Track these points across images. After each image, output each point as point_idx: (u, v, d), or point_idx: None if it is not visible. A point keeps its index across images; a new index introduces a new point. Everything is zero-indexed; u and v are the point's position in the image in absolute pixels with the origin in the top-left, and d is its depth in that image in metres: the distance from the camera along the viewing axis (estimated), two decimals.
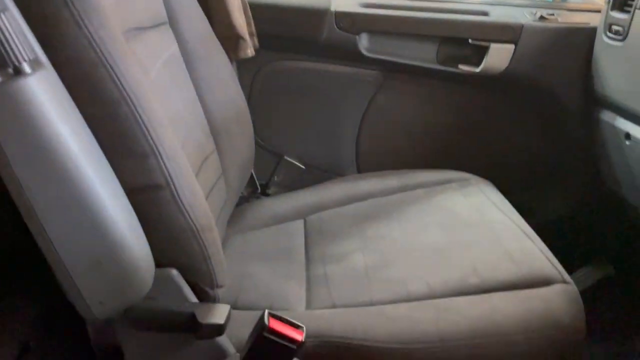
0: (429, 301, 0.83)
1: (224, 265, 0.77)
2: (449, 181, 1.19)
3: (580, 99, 1.25)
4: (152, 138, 0.65)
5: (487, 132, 1.38)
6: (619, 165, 1.17)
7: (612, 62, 1.15)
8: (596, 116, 1.21)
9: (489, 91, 1.35)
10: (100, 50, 0.62)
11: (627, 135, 1.10)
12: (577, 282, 1.37)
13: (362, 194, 1.20)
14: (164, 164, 0.65)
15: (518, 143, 1.37)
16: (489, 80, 1.31)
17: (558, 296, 0.82)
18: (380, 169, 1.31)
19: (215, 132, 1.04)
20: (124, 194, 0.62)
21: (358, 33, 1.34)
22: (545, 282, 0.84)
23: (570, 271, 1.38)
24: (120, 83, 0.63)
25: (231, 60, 1.25)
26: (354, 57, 1.35)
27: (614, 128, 1.14)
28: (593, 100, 1.21)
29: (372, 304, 0.84)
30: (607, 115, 1.18)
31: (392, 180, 1.23)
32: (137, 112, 0.64)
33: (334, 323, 0.81)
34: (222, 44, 1.17)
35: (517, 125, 1.37)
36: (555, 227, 1.40)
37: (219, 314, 0.68)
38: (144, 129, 0.64)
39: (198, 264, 0.70)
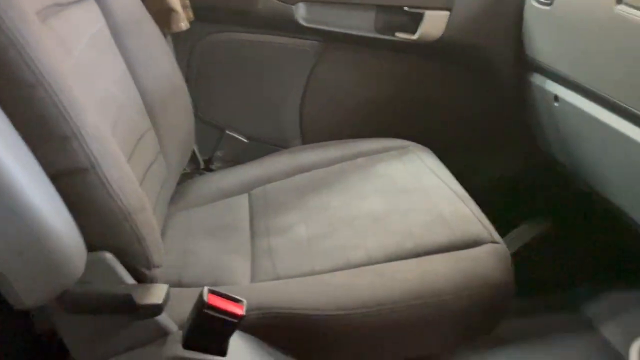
0: (368, 267, 0.86)
1: (160, 244, 0.77)
2: (388, 149, 1.21)
3: (513, 63, 1.28)
4: (72, 120, 0.63)
5: (427, 99, 1.40)
6: (550, 127, 1.22)
7: (541, 27, 1.18)
8: (528, 80, 1.25)
9: (427, 58, 1.37)
10: (11, 32, 0.60)
11: (556, 98, 1.14)
12: (514, 240, 1.45)
13: (305, 165, 1.21)
14: (87, 147, 0.64)
15: (456, 109, 1.40)
16: (426, 47, 1.33)
17: (487, 255, 0.86)
18: (324, 139, 1.32)
19: (150, 109, 1.02)
20: (47, 179, 0.61)
21: (294, 3, 1.33)
22: (475, 242, 0.87)
23: (509, 230, 1.47)
24: (35, 65, 0.61)
25: (165, 34, 1.22)
26: (292, 27, 1.34)
27: (543, 91, 1.18)
28: (524, 64, 1.25)
29: (313, 273, 0.87)
30: (537, 79, 1.21)
31: (334, 150, 1.24)
32: (55, 94, 0.62)
33: (277, 294, 0.83)
34: (154, 18, 1.14)
35: (455, 91, 1.40)
36: (495, 189, 1.45)
37: (156, 293, 0.68)
38: (63, 111, 0.62)
39: (131, 245, 0.69)
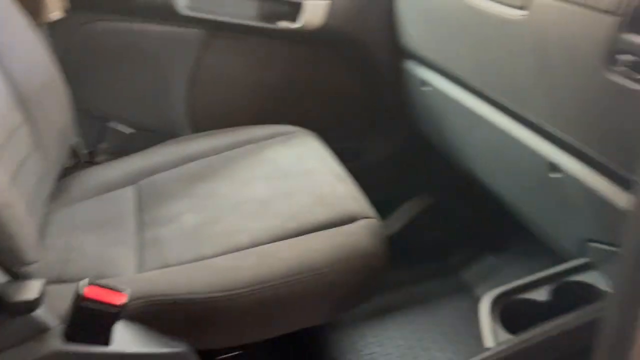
0: (252, 249, 0.90)
1: (35, 241, 0.75)
2: (275, 135, 1.25)
3: (388, 50, 1.36)
4: None
5: (312, 85, 1.46)
6: (421, 110, 1.32)
7: (410, 15, 1.27)
8: (401, 65, 1.34)
9: (311, 46, 1.42)
10: None
11: (424, 82, 1.24)
12: (400, 216, 1.56)
13: (194, 154, 1.22)
14: None
15: (340, 94, 1.47)
16: (309, 35, 1.37)
17: (362, 230, 0.93)
18: (214, 128, 1.33)
19: (23, 103, 0.99)
20: None
21: None
22: (351, 219, 0.94)
23: (396, 206, 1.57)
24: None
25: (39, 24, 1.17)
26: (173, 16, 1.33)
27: (414, 76, 1.28)
28: (398, 50, 1.34)
29: (200, 259, 0.89)
30: (408, 65, 1.31)
31: (223, 138, 1.26)
32: None
33: (163, 282, 0.85)
34: (25, 7, 1.09)
35: (338, 77, 1.46)
36: (379, 168, 1.55)
37: (29, 290, 0.68)
38: None
39: (1, 243, 0.68)
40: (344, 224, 0.93)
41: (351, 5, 1.36)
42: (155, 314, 0.81)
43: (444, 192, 1.55)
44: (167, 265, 0.89)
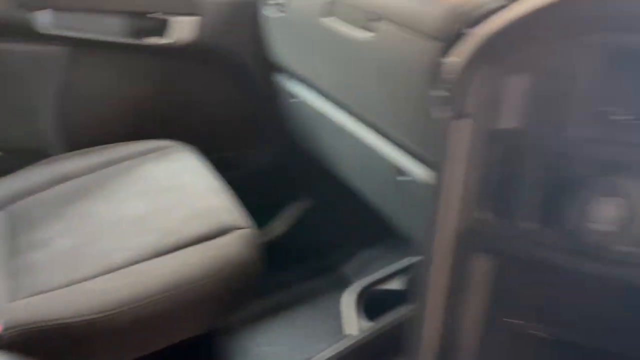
0: (129, 268, 0.92)
1: None
2: (151, 151, 1.27)
3: (261, 64, 1.43)
4: None
5: (188, 99, 1.48)
6: (293, 121, 1.40)
7: (279, 32, 1.34)
8: (272, 79, 1.41)
9: (184, 61, 1.44)
10: None
11: (293, 95, 1.32)
12: (283, 221, 1.63)
13: (67, 174, 1.20)
14: None
15: (217, 107, 1.51)
16: (181, 50, 1.40)
17: (236, 240, 0.98)
18: (89, 146, 1.32)
19: None
20: None
21: (37, 9, 1.28)
22: (226, 230, 0.99)
23: (281, 208, 1.64)
24: None
25: None
26: (35, 34, 1.29)
27: (284, 89, 1.36)
28: (270, 65, 1.41)
29: (76, 282, 0.90)
30: (279, 78, 1.38)
31: (97, 157, 1.26)
32: None
33: (37, 309, 0.84)
34: None
35: (213, 91, 1.50)
36: (264, 175, 1.61)
37: None
38: None
39: None
40: (219, 236, 0.98)
41: (221, 21, 1.40)
42: (33, 342, 0.81)
43: (323, 194, 1.64)
44: (42, 292, 0.89)
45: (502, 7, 0.84)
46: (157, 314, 0.88)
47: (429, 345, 0.53)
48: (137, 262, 0.93)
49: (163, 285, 0.89)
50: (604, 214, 0.40)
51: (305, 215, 1.62)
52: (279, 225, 1.58)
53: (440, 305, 0.52)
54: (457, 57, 0.47)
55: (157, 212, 1.05)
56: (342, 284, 1.48)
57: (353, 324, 0.85)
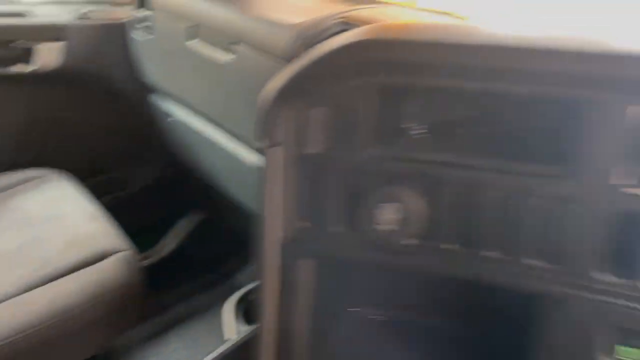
0: (4, 303, 0.91)
1: None
2: (25, 181, 1.24)
3: (133, 85, 1.44)
4: None
5: (63, 125, 1.46)
6: (172, 139, 1.43)
7: (149, 54, 1.36)
8: (148, 100, 1.43)
9: (54, 87, 1.42)
10: None
11: (169, 114, 1.35)
12: (175, 235, 1.65)
13: None
14: None
15: (96, 130, 1.50)
16: (49, 77, 1.38)
17: (115, 264, 1.00)
18: None
19: None
20: None
21: None
22: (104, 255, 1.01)
23: (169, 227, 1.66)
24: None
25: None
26: None
27: (160, 109, 1.38)
28: (143, 86, 1.42)
29: None
30: (154, 98, 1.41)
31: None
32: None
33: None
34: None
35: (89, 115, 1.49)
36: (150, 193, 1.62)
37: None
38: None
39: None
40: (98, 262, 1.00)
41: (88, 45, 1.39)
42: None
43: (212, 208, 1.68)
44: None
45: (343, 30, 0.95)
46: (37, 346, 0.88)
47: (267, 342, 0.60)
48: (13, 295, 0.92)
49: (41, 317, 0.89)
50: (388, 216, 0.50)
51: (196, 229, 1.65)
52: (170, 242, 1.60)
53: (275, 305, 0.60)
54: (268, 93, 0.54)
55: (31, 243, 1.04)
56: (232, 294, 1.54)
57: (232, 329, 0.90)
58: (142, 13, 1.34)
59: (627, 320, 0.48)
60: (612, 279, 0.48)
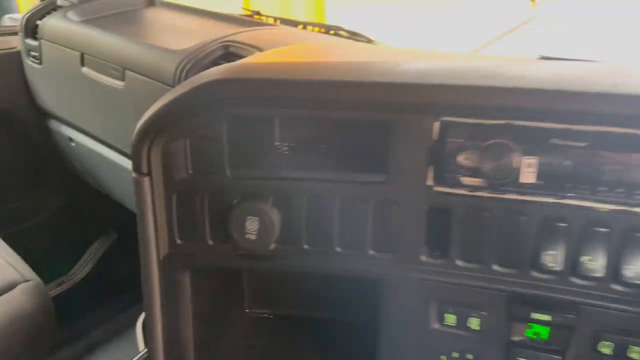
0: None
1: None
2: None
3: (31, 112, 1.44)
4: None
5: None
6: (75, 163, 1.44)
7: (41, 81, 1.37)
8: (47, 126, 1.44)
9: None
10: None
11: (70, 139, 1.36)
12: (91, 254, 1.66)
13: None
14: None
15: None
16: None
17: (22, 294, 1.02)
18: None
19: None
20: None
21: None
22: (9, 287, 1.03)
23: (83, 250, 1.66)
24: None
25: None
26: None
27: (60, 134, 1.39)
28: (41, 113, 1.43)
29: None
30: (54, 124, 1.42)
31: None
32: None
33: None
34: None
35: None
36: (60, 218, 1.61)
37: None
38: None
39: None
40: (3, 293, 1.01)
41: None
42: None
43: (124, 227, 1.70)
44: None
45: (227, 54, 1.01)
46: None
47: (157, 352, 0.68)
48: None
49: None
50: (251, 227, 0.59)
51: (109, 250, 1.66)
52: (85, 266, 1.61)
53: (159, 316, 0.67)
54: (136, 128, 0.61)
55: None
56: None
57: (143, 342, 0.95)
58: (31, 43, 1.35)
59: (451, 294, 0.59)
60: (437, 261, 0.59)
